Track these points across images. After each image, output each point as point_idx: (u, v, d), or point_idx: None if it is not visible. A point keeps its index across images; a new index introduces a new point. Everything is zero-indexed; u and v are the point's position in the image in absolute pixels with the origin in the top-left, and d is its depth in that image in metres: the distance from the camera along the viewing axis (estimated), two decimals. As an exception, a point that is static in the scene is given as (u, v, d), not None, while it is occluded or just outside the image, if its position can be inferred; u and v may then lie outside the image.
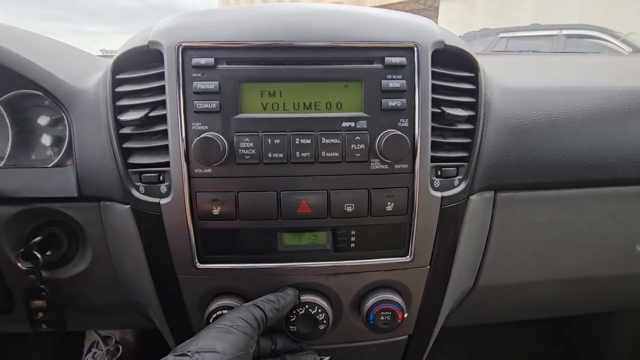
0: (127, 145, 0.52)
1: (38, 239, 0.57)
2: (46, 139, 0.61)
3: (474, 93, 0.55)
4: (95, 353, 1.19)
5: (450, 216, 0.55)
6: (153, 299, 0.59)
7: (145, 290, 0.59)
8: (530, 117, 0.59)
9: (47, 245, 0.60)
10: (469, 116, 0.54)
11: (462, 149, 0.55)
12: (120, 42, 0.58)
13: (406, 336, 0.64)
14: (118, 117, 0.51)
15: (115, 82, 0.53)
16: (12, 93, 0.61)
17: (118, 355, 1.19)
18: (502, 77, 0.62)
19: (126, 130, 0.52)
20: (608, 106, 0.61)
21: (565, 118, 0.59)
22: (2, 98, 0.61)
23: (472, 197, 0.57)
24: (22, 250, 0.56)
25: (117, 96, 0.53)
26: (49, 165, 0.58)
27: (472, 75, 0.55)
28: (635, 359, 1.27)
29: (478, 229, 0.61)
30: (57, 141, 0.63)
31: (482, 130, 0.56)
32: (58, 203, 0.57)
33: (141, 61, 0.52)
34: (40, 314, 0.58)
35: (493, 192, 0.60)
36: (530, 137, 0.58)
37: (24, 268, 0.57)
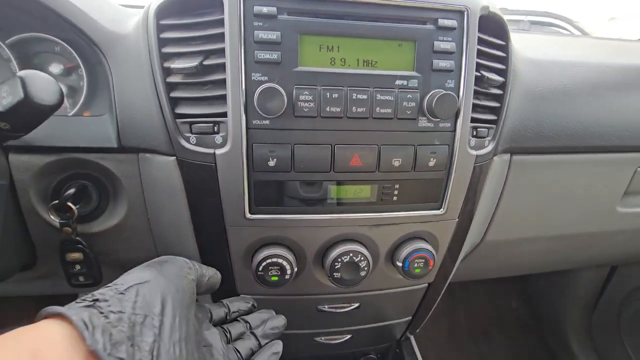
0: (174, 94, 0.51)
1: (72, 190, 0.55)
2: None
3: (505, 61, 0.60)
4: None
5: (478, 174, 0.60)
6: (192, 251, 0.60)
7: (185, 243, 0.59)
8: (547, 87, 0.65)
9: (78, 199, 0.58)
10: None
11: (492, 112, 0.60)
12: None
13: (426, 284, 0.70)
14: (168, 65, 0.50)
15: (160, 28, 0.51)
16: (23, 35, 0.56)
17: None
18: (524, 48, 0.67)
19: (174, 79, 0.50)
20: (609, 80, 0.69)
21: (576, 89, 0.66)
22: (10, 40, 0.56)
23: (495, 158, 0.63)
24: (56, 201, 0.54)
25: (162, 43, 0.51)
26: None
27: (504, 43, 0.59)
28: (587, 310, 1.47)
29: (494, 187, 0.68)
30: (72, 92, 0.59)
31: (509, 96, 0.61)
32: (94, 154, 0.54)
33: (189, 6, 0.50)
34: (77, 267, 0.57)
35: (509, 155, 0.67)
36: (547, 105, 0.64)
37: (58, 220, 0.55)
